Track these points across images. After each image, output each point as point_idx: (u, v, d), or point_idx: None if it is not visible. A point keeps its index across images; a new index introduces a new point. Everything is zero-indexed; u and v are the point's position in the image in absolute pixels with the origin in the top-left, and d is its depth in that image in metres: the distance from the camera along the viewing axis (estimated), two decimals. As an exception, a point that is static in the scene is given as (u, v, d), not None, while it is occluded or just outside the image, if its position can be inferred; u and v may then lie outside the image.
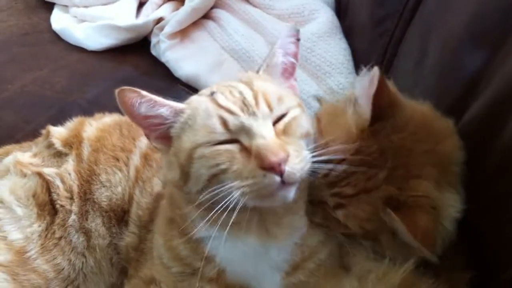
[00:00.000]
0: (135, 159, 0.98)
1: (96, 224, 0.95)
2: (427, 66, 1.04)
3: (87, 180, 0.97)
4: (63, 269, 0.92)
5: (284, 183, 0.69)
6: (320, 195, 0.83)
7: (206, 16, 1.66)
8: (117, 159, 0.99)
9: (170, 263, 0.83)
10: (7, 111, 1.43)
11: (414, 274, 0.81)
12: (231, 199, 0.70)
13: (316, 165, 0.74)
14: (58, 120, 1.13)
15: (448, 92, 0.96)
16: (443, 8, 1.05)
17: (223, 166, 0.71)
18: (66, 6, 1.83)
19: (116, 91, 0.75)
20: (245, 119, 0.71)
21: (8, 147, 1.15)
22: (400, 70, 1.20)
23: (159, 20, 1.64)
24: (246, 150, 0.71)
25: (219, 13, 1.65)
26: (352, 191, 0.79)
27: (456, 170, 0.82)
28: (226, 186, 0.70)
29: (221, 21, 1.61)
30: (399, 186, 0.77)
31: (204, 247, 0.78)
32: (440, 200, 0.78)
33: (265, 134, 0.70)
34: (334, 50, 1.41)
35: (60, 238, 0.93)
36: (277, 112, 0.74)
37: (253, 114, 0.72)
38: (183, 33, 1.61)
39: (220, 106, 0.73)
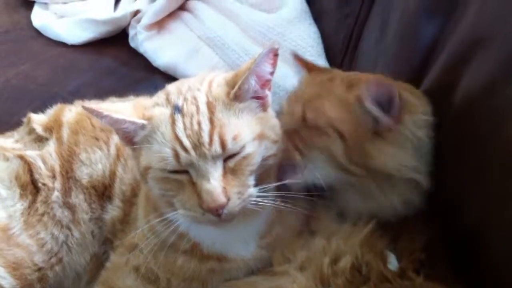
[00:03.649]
0: (116, 138, 1.02)
1: (79, 199, 0.99)
2: (387, 41, 1.10)
3: (68, 160, 1.01)
4: (46, 242, 0.96)
5: (223, 219, 0.76)
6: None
7: (182, 7, 1.71)
8: (97, 139, 1.03)
9: (147, 234, 0.87)
10: (-8, 104, 1.45)
11: (375, 234, 0.86)
12: (177, 217, 0.80)
13: (263, 195, 0.79)
14: (42, 111, 1.16)
15: (407, 63, 1.02)
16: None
17: (171, 193, 0.78)
18: (46, 3, 1.87)
19: (82, 106, 0.80)
20: (196, 159, 0.73)
21: None
22: (365, 49, 1.26)
23: (136, 12, 1.68)
24: (193, 184, 0.75)
25: (194, 4, 1.69)
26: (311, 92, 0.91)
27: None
28: (174, 207, 0.79)
29: (196, 11, 1.66)
30: None
31: (176, 225, 0.83)
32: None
33: (211, 177, 0.73)
34: (305, 34, 1.46)
35: (43, 214, 0.97)
36: (230, 151, 0.75)
37: (203, 156, 0.73)
38: (159, 24, 1.65)
39: (176, 136, 0.74)
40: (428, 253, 0.84)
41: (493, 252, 0.78)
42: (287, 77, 1.32)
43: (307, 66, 1.03)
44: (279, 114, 0.93)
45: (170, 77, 1.55)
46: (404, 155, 0.85)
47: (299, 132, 0.89)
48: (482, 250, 0.81)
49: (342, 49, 1.36)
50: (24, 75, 1.58)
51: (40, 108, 1.20)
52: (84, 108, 0.78)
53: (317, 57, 1.42)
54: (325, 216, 0.92)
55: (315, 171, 0.87)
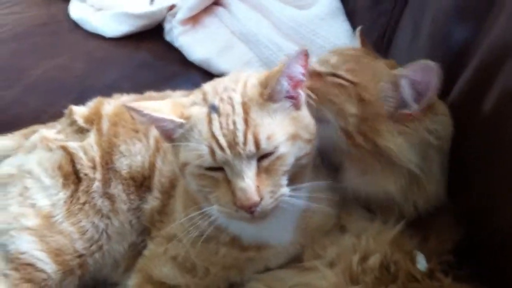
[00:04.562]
0: (155, 130, 1.03)
1: (118, 190, 1.03)
2: (420, 42, 1.11)
3: (108, 151, 1.05)
4: (87, 230, 1.00)
5: (256, 217, 0.78)
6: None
7: (216, 2, 1.73)
8: (136, 131, 1.06)
9: (186, 226, 0.90)
10: (31, 96, 1.51)
11: (404, 234, 0.88)
12: (212, 212, 0.83)
13: (296, 194, 0.81)
14: (79, 103, 1.19)
15: (439, 64, 1.02)
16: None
17: (207, 189, 0.81)
18: (83, -4, 1.92)
19: (123, 105, 0.83)
20: (231, 157, 0.76)
21: (34, 127, 1.22)
22: (398, 48, 1.27)
23: (172, 7, 1.71)
24: (228, 182, 0.78)
25: (228, -1, 1.72)
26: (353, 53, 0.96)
27: None
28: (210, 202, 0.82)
29: (230, 6, 1.69)
30: None
31: (216, 219, 0.85)
32: None
33: (245, 175, 0.76)
34: (337, 32, 1.47)
35: (84, 203, 1.01)
36: (264, 151, 0.77)
37: (238, 154, 0.76)
38: (195, 19, 1.68)
39: (213, 134, 0.77)
40: (457, 255, 0.86)
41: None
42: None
43: (364, 43, 1.06)
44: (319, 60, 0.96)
45: (205, 72, 1.58)
46: (409, 149, 0.87)
47: (324, 79, 0.92)
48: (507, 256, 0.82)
49: (375, 48, 1.35)
50: (61, 67, 1.61)
51: (77, 99, 1.24)
52: (126, 107, 0.82)
53: (350, 55, 1.42)
54: (356, 212, 0.94)
55: (324, 126, 0.88)
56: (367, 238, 0.88)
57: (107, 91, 1.25)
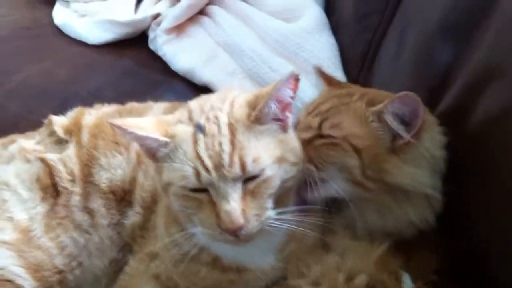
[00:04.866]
0: (136, 144, 1.01)
1: (98, 204, 1.00)
2: (403, 59, 1.11)
3: (87, 164, 1.02)
4: (66, 246, 0.98)
5: (241, 240, 0.77)
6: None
7: (202, 12, 1.73)
8: (117, 143, 1.04)
9: (169, 246, 0.89)
10: (12, 101, 1.49)
11: (389, 253, 0.87)
12: (196, 234, 0.82)
13: (281, 217, 0.80)
14: (61, 111, 1.17)
15: (422, 83, 1.04)
16: (420, 5, 1.12)
17: (190, 210, 0.80)
18: (67, 1, 1.90)
19: (108, 122, 0.82)
20: (216, 179, 0.75)
21: (12, 136, 1.19)
22: (382, 64, 1.27)
23: (157, 15, 1.70)
24: (212, 204, 0.77)
25: (213, 9, 1.71)
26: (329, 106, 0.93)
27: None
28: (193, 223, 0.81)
29: (215, 16, 1.68)
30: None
31: (197, 239, 0.85)
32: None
33: (230, 198, 0.75)
34: (322, 46, 1.46)
35: (63, 218, 0.99)
36: (250, 174, 0.76)
37: (223, 177, 0.74)
38: (179, 28, 1.67)
39: (198, 155, 0.76)
40: (440, 274, 0.86)
41: (496, 275, 0.80)
42: (305, 88, 1.31)
43: (328, 80, 1.05)
44: (296, 126, 0.94)
45: (188, 82, 1.57)
46: (420, 172, 0.87)
47: (314, 144, 0.90)
48: (487, 273, 0.83)
49: (359, 62, 1.36)
50: (44, 72, 1.60)
51: (60, 106, 1.22)
52: (110, 124, 0.80)
53: (334, 69, 1.42)
54: (340, 231, 0.93)
55: (331, 185, 0.88)
56: (353, 257, 0.87)
57: (90, 99, 1.24)
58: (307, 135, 0.92)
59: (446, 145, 0.90)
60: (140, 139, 0.80)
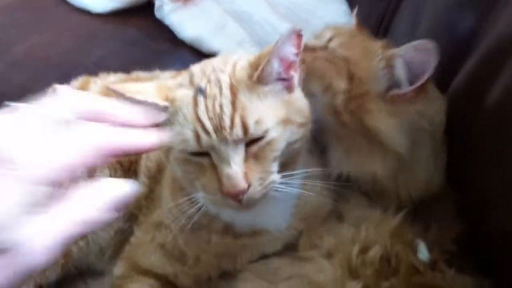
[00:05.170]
0: None
1: (104, 174, 0.98)
2: (420, 30, 1.07)
3: None
4: None
5: (243, 205, 0.74)
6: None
7: (209, -21, 1.67)
8: None
9: (176, 213, 0.86)
10: (15, 72, 1.46)
11: (405, 223, 0.85)
12: (199, 199, 0.78)
13: (287, 182, 0.76)
14: (65, 81, 1.14)
15: (440, 52, 0.99)
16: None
17: (192, 175, 0.76)
18: (70, -30, 1.85)
19: (106, 87, 0.77)
20: (217, 142, 0.71)
21: None
22: (396, 35, 1.23)
23: (163, -18, 1.65)
24: (214, 167, 0.73)
25: (221, -24, 1.66)
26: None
27: None
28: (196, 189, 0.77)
29: (223, -16, 1.63)
30: None
31: (203, 206, 0.81)
32: None
33: (232, 161, 0.71)
34: (334, 13, 1.44)
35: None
36: (252, 136, 0.73)
37: (224, 139, 0.71)
38: (186, -4, 1.62)
39: (198, 118, 0.72)
40: (459, 246, 0.83)
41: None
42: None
43: (359, 26, 1.02)
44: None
45: (195, 50, 1.53)
46: (400, 128, 0.83)
47: (315, 54, 0.89)
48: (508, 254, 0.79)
49: (373, 30, 1.32)
50: (46, 43, 1.57)
51: (64, 76, 1.19)
52: (108, 88, 0.76)
53: (347, 36, 1.38)
54: (353, 199, 0.91)
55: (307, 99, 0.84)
56: (367, 228, 0.84)
57: (94, 69, 1.21)
58: (314, 43, 0.91)
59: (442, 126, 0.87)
60: (138, 104, 0.75)
